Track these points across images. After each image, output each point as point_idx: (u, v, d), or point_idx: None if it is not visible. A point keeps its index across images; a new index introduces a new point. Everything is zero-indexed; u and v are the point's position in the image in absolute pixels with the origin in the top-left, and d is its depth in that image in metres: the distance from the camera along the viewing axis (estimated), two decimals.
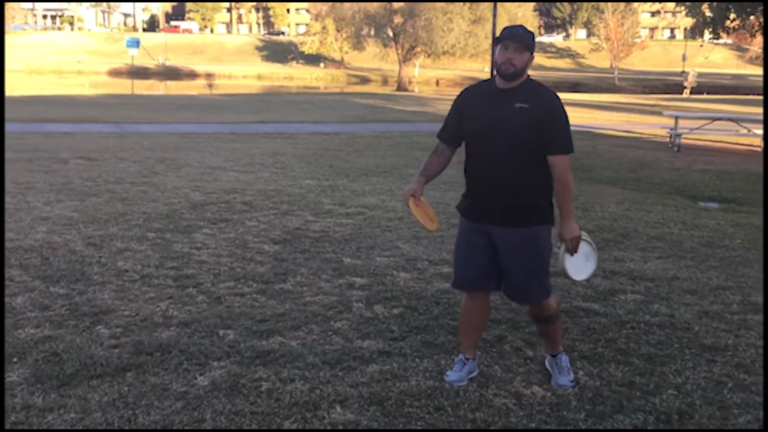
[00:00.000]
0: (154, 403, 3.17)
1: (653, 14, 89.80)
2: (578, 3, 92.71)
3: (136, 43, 39.85)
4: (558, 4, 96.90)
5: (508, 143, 3.15)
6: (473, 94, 3.35)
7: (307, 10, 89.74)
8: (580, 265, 3.37)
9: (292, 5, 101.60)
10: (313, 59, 68.34)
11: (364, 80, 61.31)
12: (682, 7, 17.91)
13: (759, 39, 18.34)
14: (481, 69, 57.96)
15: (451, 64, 55.26)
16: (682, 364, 3.73)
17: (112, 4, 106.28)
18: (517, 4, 48.05)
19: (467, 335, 3.58)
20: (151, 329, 4.02)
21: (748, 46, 55.93)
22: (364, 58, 60.45)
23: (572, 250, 3.25)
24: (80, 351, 3.68)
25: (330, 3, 51.27)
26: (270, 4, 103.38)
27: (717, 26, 16.55)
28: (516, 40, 3.13)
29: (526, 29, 3.20)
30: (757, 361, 3.78)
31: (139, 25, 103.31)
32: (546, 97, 3.18)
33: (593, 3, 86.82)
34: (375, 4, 45.44)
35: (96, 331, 3.98)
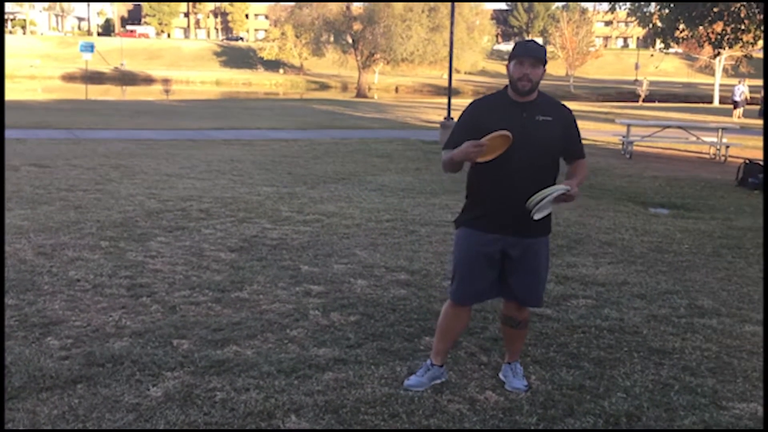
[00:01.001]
0: (105, 415, 3.12)
1: (607, 24, 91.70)
2: (535, 12, 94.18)
3: (90, 48, 39.03)
4: (515, 12, 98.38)
5: (536, 155, 3.22)
6: (488, 107, 3.34)
7: (266, 16, 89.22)
8: (543, 209, 3.27)
9: (251, 11, 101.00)
10: (273, 65, 67.99)
11: (324, 86, 61.23)
12: (634, 18, 18.35)
13: (708, 49, 18.87)
14: (439, 76, 58.40)
15: (411, 71, 55.52)
16: (630, 367, 3.82)
17: (65, 7, 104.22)
18: (474, 12, 48.57)
19: (443, 342, 3.59)
20: (103, 340, 3.96)
21: (697, 56, 57.46)
22: (323, 64, 60.37)
23: (567, 198, 3.22)
24: (29, 363, 3.61)
25: (289, 9, 51.13)
26: (228, 9, 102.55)
27: (667, 36, 16.98)
28: (532, 55, 3.18)
29: (537, 43, 3.27)
30: (702, 364, 3.90)
31: (94, 29, 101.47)
32: (565, 110, 3.37)
33: (549, 12, 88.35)
34: (334, 11, 45.46)
35: (46, 342, 3.90)
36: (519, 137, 3.19)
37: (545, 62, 3.23)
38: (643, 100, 40.87)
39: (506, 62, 3.35)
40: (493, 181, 3.28)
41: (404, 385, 3.47)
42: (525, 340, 4.10)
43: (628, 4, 18.03)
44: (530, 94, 3.23)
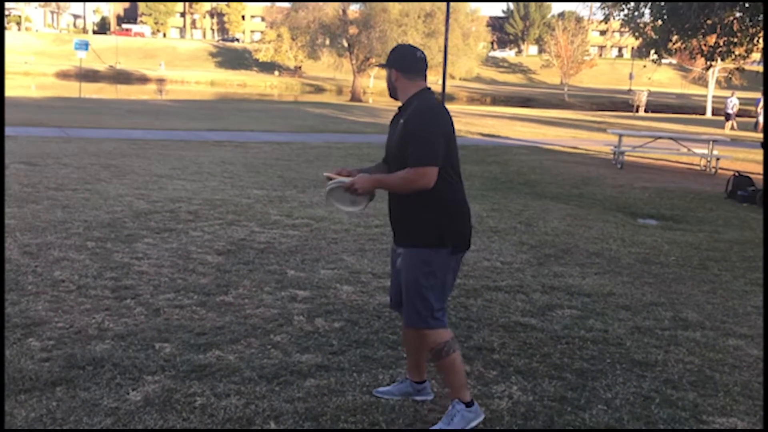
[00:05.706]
0: (83, 419, 3.10)
1: (602, 33, 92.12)
2: (530, 19, 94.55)
3: (84, 46, 38.90)
4: (511, 20, 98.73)
5: (394, 160, 3.22)
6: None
7: (262, 18, 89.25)
8: (345, 201, 3.27)
9: (247, 12, 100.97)
10: (268, 67, 67.98)
11: (319, 89, 61.26)
12: (627, 28, 18.45)
13: (701, 61, 18.98)
14: (435, 81, 58.55)
15: None
16: (612, 379, 3.83)
17: (61, 4, 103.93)
18: (470, 18, 48.74)
19: (406, 355, 3.56)
20: (85, 342, 3.94)
21: (691, 67, 57.77)
22: (319, 67, 60.43)
23: (350, 186, 3.12)
24: (9, 364, 3.58)
25: (285, 12, 51.18)
26: (225, 10, 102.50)
27: (660, 48, 17.07)
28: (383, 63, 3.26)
29: (393, 49, 3.30)
30: (684, 377, 3.91)
31: (90, 27, 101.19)
32: (415, 112, 3.10)
33: (545, 20, 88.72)
34: (330, 14, 45.53)
35: (27, 343, 3.88)
36: (387, 143, 3.32)
37: (395, 65, 3.19)
38: (645, 111, 40.82)
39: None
40: None
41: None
42: (508, 350, 4.09)
43: (622, 14, 18.11)
44: (398, 97, 3.27)
